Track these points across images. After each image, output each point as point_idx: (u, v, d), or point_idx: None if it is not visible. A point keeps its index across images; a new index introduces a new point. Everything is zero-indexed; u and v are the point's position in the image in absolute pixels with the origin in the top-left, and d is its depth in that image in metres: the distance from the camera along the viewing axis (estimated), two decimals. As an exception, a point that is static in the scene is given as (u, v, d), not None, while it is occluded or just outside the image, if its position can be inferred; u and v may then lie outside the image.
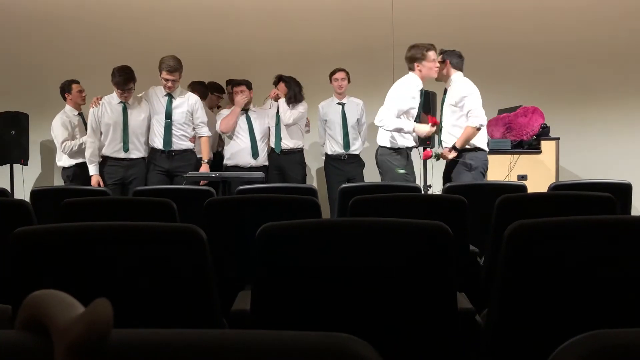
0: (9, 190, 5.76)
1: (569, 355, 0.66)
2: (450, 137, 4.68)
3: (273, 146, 5.77)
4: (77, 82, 5.81)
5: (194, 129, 5.28)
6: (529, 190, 3.73)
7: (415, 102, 4.80)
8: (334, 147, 5.86)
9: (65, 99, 5.78)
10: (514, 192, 3.30)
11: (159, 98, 5.23)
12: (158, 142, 5.19)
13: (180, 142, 5.22)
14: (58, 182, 6.61)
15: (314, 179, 6.82)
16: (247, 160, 5.67)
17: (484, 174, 4.70)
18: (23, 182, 6.43)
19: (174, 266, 1.55)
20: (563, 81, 6.67)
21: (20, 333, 0.68)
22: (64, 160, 5.64)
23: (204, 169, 5.23)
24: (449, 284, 1.55)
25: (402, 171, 4.74)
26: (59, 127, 5.58)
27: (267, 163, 5.79)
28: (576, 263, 1.50)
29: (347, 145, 5.82)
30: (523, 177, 5.62)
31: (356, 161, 5.89)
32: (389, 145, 4.83)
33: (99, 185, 5.02)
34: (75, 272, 1.53)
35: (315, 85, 6.09)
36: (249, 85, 5.70)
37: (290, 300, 1.54)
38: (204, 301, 1.57)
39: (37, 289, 0.69)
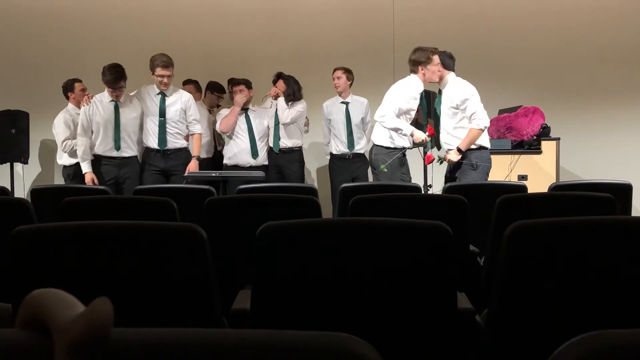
0: (9, 188, 5.77)
1: (569, 356, 0.66)
2: (453, 139, 4.67)
3: (272, 145, 5.77)
4: (80, 81, 5.81)
5: (187, 126, 5.28)
6: (529, 191, 3.73)
7: (415, 103, 4.80)
8: (339, 147, 5.86)
9: (67, 97, 5.78)
10: (514, 192, 3.30)
11: (152, 97, 5.20)
12: (152, 141, 5.16)
13: (175, 141, 5.19)
14: (58, 180, 6.62)
15: (314, 179, 6.81)
16: (246, 160, 5.67)
17: (487, 172, 4.71)
18: (23, 180, 6.44)
19: (174, 265, 1.55)
20: (563, 81, 6.67)
21: (20, 332, 0.68)
22: (64, 159, 5.66)
23: (193, 164, 5.20)
24: (449, 284, 1.55)
25: (385, 169, 4.75)
26: (61, 125, 5.59)
27: (266, 162, 5.79)
28: (576, 263, 1.50)
29: (351, 144, 5.80)
30: (523, 178, 5.61)
31: (361, 160, 5.88)
32: (386, 145, 4.83)
33: (93, 182, 5.01)
34: (75, 270, 1.53)
35: (315, 86, 6.09)
36: (248, 85, 5.70)
37: (290, 300, 1.54)
38: (204, 300, 1.57)
39: (38, 288, 0.69)
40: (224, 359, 0.66)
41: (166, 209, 2.58)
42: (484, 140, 4.70)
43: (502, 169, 5.57)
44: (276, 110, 5.74)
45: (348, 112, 5.84)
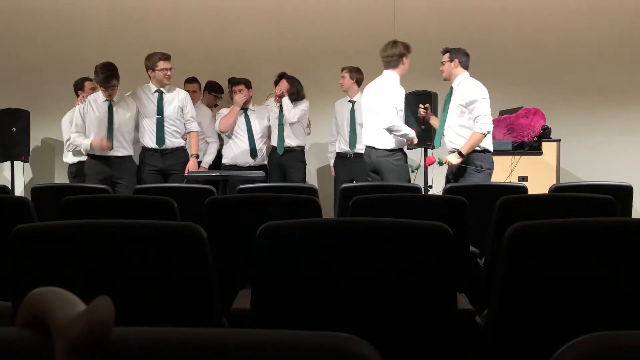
0: (10, 187, 5.76)
1: (570, 357, 0.66)
2: (459, 137, 4.64)
3: (276, 145, 5.76)
4: (90, 80, 5.77)
5: (184, 124, 5.26)
6: (530, 192, 3.73)
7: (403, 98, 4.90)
8: (342, 145, 5.87)
9: (78, 96, 5.77)
10: (515, 193, 3.30)
11: (149, 96, 5.17)
12: (150, 141, 5.13)
13: (173, 140, 5.16)
14: (59, 179, 6.62)
15: (315, 179, 6.81)
16: (245, 159, 5.66)
17: (490, 176, 4.70)
18: (24, 179, 6.44)
19: (175, 265, 1.55)
20: (564, 83, 6.66)
21: (20, 330, 0.68)
22: (69, 157, 5.70)
23: (193, 162, 5.19)
24: (448, 285, 1.55)
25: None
26: (67, 123, 5.60)
27: (265, 162, 5.79)
28: (576, 265, 1.50)
29: (353, 143, 5.80)
30: (524, 179, 5.61)
31: (362, 160, 5.88)
32: (390, 147, 4.85)
33: (102, 145, 4.95)
34: (75, 269, 1.53)
35: (315, 86, 6.09)
36: (247, 85, 5.69)
37: (290, 300, 1.54)
38: (204, 300, 1.57)
39: (38, 287, 0.69)
40: (224, 359, 0.66)
41: (166, 208, 2.58)
42: (488, 144, 4.69)
43: (503, 170, 5.56)
44: (280, 110, 5.73)
45: (353, 111, 5.84)
